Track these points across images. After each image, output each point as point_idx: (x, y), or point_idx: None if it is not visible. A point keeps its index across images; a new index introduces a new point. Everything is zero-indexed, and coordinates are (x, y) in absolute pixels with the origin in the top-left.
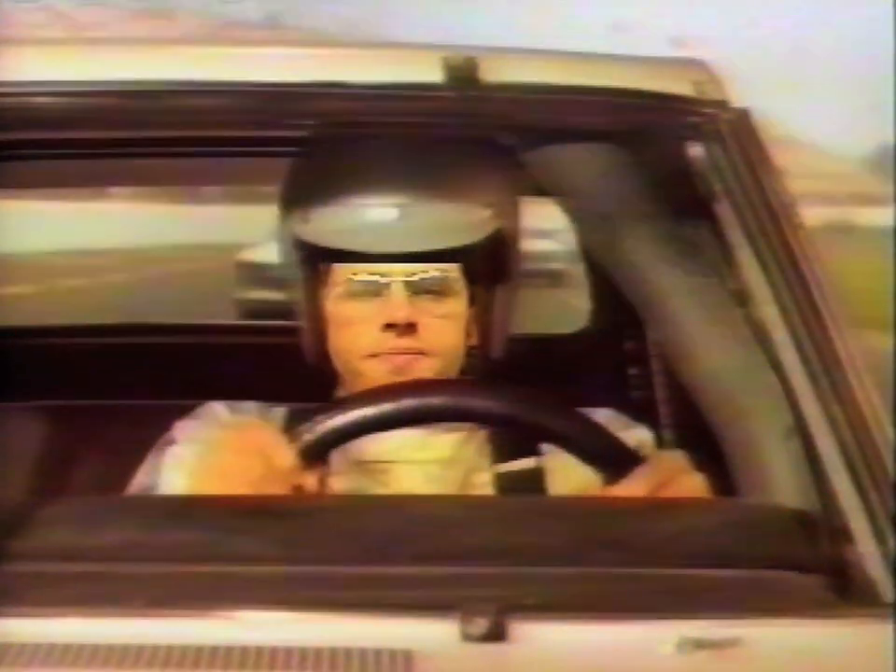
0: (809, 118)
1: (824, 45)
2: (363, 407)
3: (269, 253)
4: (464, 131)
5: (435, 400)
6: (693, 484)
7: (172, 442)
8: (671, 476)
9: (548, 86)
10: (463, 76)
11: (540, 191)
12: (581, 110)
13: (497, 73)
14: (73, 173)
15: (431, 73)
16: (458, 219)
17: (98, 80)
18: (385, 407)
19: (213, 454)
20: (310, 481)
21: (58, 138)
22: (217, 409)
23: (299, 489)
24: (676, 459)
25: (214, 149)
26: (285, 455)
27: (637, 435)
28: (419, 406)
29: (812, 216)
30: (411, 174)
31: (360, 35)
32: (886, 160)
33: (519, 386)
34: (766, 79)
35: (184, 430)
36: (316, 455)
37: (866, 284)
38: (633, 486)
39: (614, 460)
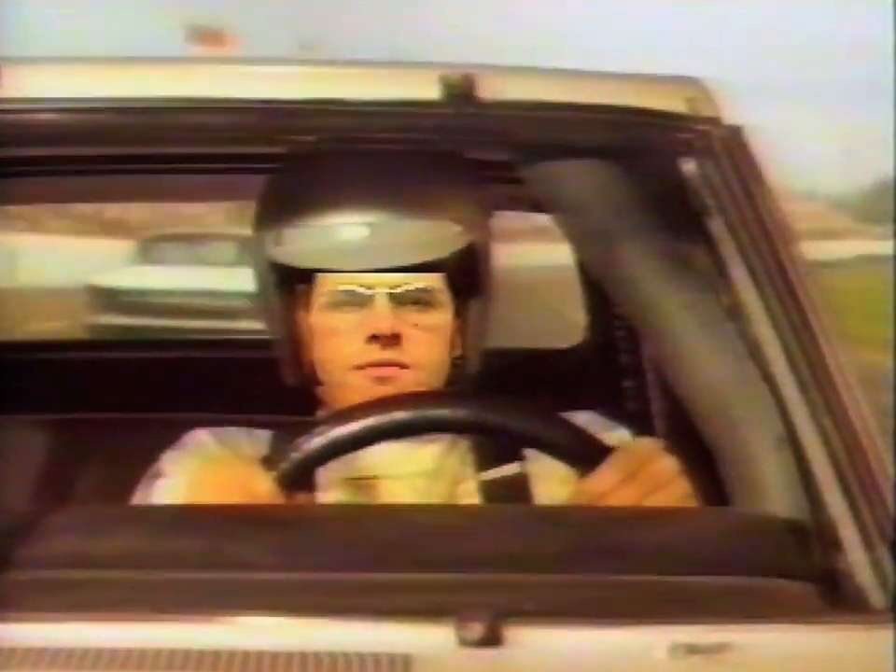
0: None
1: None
2: (334, 428)
3: (121, 277)
4: (461, 148)
5: (399, 414)
6: (665, 467)
7: (159, 475)
8: (643, 461)
9: (544, 103)
10: (460, 93)
11: (536, 207)
12: (576, 127)
13: (494, 90)
14: (74, 189)
15: (429, 90)
16: (428, 235)
17: (99, 98)
18: (354, 426)
19: (194, 492)
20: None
21: (59, 155)
22: (202, 437)
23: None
24: (647, 445)
25: (212, 166)
26: (262, 484)
27: (617, 435)
28: (386, 421)
29: None
30: (379, 192)
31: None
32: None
33: (482, 392)
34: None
35: (170, 462)
36: (295, 480)
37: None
38: (604, 475)
39: (585, 453)
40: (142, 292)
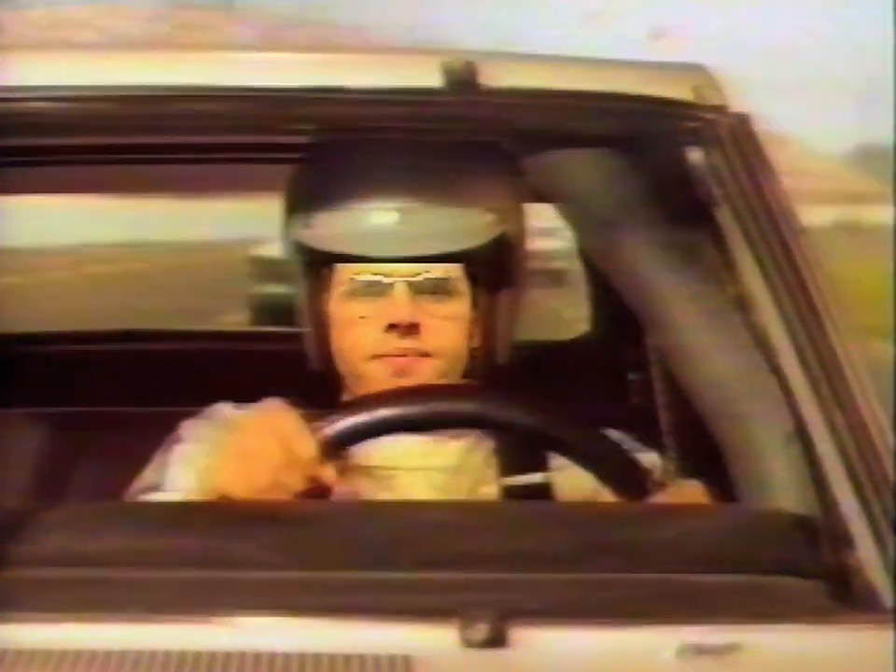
0: (793, 116)
1: (806, 46)
2: (387, 407)
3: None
4: (463, 135)
5: (464, 406)
6: None
7: (179, 441)
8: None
9: (547, 91)
10: (462, 80)
11: (540, 196)
12: (580, 115)
13: (496, 78)
14: (74, 178)
15: (431, 78)
16: (460, 224)
17: (99, 86)
18: (410, 409)
19: (235, 434)
20: (328, 473)
21: (59, 144)
22: (225, 409)
23: (316, 480)
24: (693, 487)
25: (215, 155)
26: (307, 442)
27: (646, 460)
28: (448, 411)
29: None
30: (412, 178)
31: (314, 17)
32: (866, 158)
33: (544, 399)
34: (751, 78)
35: (191, 429)
36: (336, 448)
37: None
38: None
39: (632, 481)
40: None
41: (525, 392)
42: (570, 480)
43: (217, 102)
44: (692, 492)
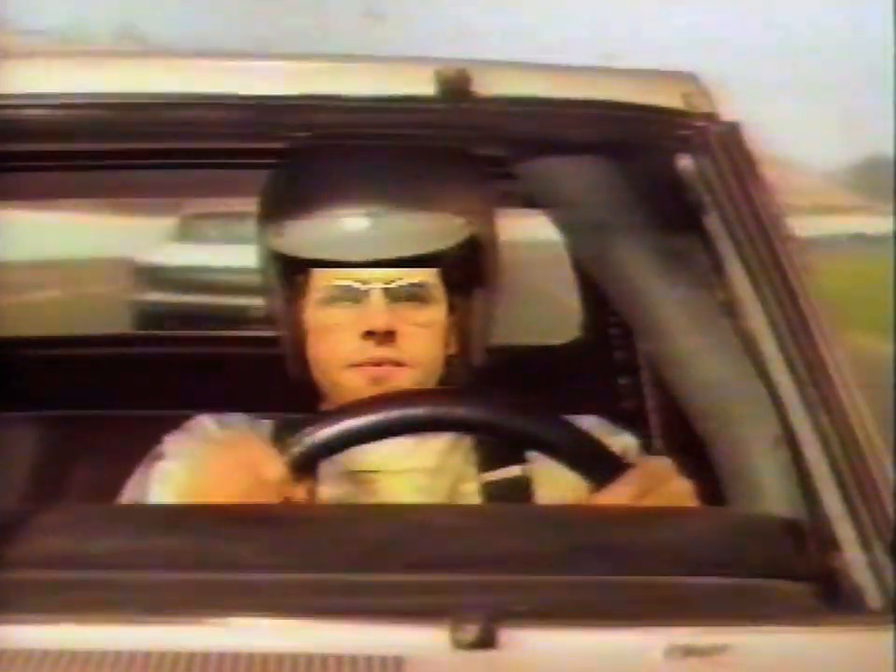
0: (779, 134)
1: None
2: (349, 419)
3: (162, 255)
4: (456, 143)
5: (420, 410)
6: (679, 489)
7: (160, 457)
8: (657, 481)
9: (539, 99)
10: (455, 88)
11: (531, 203)
12: (571, 123)
13: (489, 86)
14: (68, 185)
15: (424, 86)
16: (429, 227)
17: (95, 93)
18: (371, 418)
19: (202, 468)
20: (299, 493)
21: (53, 150)
22: (206, 422)
23: (288, 501)
24: (662, 465)
25: (208, 161)
26: (273, 467)
27: (622, 441)
28: (404, 416)
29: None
30: (381, 183)
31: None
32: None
33: (502, 394)
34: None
35: (172, 444)
36: (305, 466)
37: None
38: (619, 492)
39: (600, 466)
40: (183, 269)
41: (481, 390)
42: (549, 471)
43: (212, 109)
44: (659, 468)
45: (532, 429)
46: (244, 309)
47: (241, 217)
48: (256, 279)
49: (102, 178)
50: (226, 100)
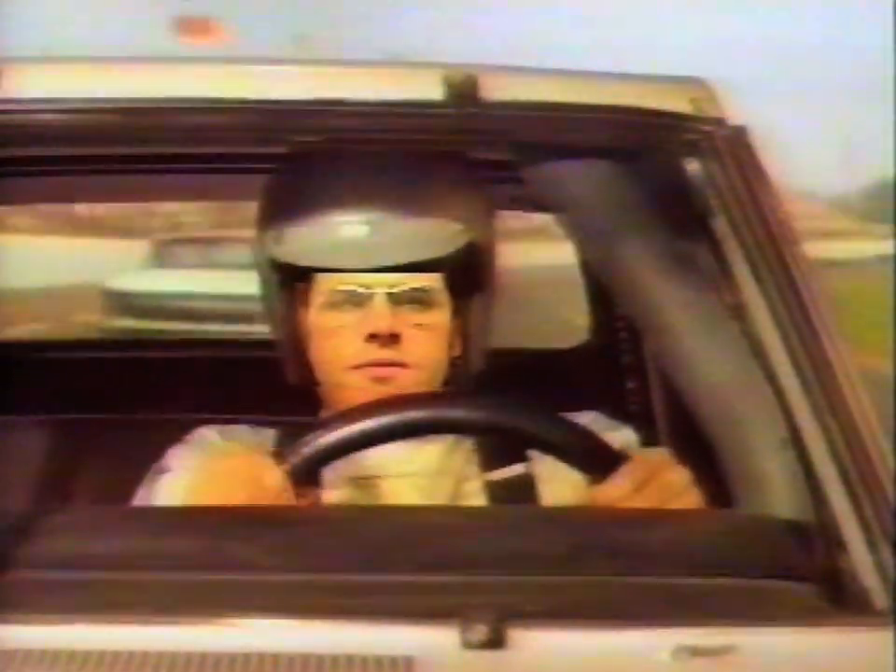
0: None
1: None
2: (346, 426)
3: (134, 281)
4: (464, 147)
5: (415, 414)
6: (677, 478)
7: (164, 470)
8: (655, 471)
9: (547, 103)
10: (463, 93)
11: (539, 207)
12: (579, 127)
13: (497, 90)
14: (72, 189)
15: (432, 90)
16: (429, 233)
17: (97, 98)
18: (368, 424)
19: (202, 482)
20: (301, 502)
21: (58, 155)
22: (208, 434)
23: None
24: (659, 455)
25: (213, 166)
26: (273, 478)
27: (622, 436)
28: (400, 421)
29: None
30: (380, 190)
31: None
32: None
33: (497, 394)
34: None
35: (175, 458)
36: (305, 475)
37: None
38: (618, 484)
39: (598, 460)
40: (155, 296)
41: (474, 391)
42: (551, 468)
43: (219, 114)
44: (656, 458)
45: (527, 426)
46: (215, 336)
47: (213, 242)
48: (228, 306)
49: (108, 182)
50: (234, 105)
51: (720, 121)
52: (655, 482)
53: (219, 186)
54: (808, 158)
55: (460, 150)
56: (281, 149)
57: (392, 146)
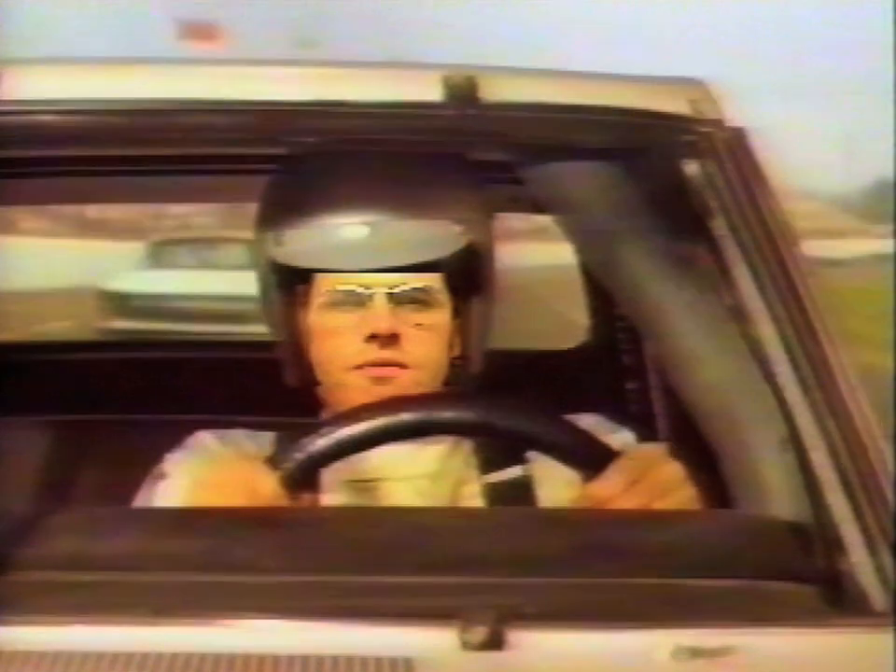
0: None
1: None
2: (340, 429)
3: (131, 282)
4: (463, 149)
5: (407, 416)
6: (670, 473)
7: (162, 476)
8: (648, 467)
9: (547, 105)
10: (463, 94)
11: (538, 208)
12: (579, 129)
13: (496, 92)
14: (74, 190)
15: (431, 91)
16: (428, 235)
17: (99, 99)
18: (360, 427)
19: (198, 488)
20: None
21: (60, 156)
22: (205, 439)
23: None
24: (653, 450)
25: (214, 167)
26: (268, 485)
27: (622, 438)
28: (391, 423)
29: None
30: (379, 191)
31: None
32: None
33: (490, 394)
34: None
35: (173, 463)
36: (300, 480)
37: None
38: (610, 479)
39: (591, 457)
40: (152, 296)
41: (469, 392)
42: (549, 470)
43: (220, 115)
44: (649, 454)
45: (519, 426)
46: (212, 336)
47: (208, 242)
48: (224, 306)
49: (110, 184)
50: (234, 106)
51: (718, 123)
52: (648, 477)
53: (221, 187)
54: (808, 157)
55: (460, 152)
56: (282, 150)
57: (392, 147)
